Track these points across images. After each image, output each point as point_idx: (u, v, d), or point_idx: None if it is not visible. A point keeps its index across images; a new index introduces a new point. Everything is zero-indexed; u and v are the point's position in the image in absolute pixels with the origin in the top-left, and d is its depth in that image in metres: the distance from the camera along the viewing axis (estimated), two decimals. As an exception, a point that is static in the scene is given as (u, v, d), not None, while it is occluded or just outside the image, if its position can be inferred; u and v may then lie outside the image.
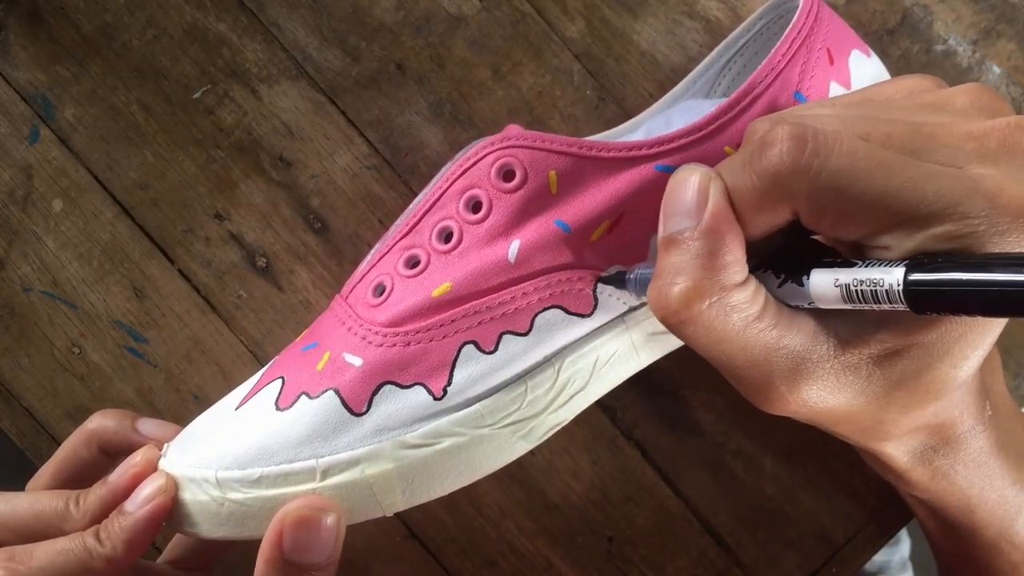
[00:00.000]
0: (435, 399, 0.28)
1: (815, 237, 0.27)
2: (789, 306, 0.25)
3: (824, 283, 0.23)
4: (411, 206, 0.31)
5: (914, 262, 0.21)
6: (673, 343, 0.32)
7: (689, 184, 0.25)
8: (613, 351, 0.30)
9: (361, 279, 0.31)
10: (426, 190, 0.31)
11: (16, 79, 0.37)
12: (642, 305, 0.30)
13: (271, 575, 0.26)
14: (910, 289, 0.21)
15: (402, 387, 0.29)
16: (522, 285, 0.29)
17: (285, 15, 0.37)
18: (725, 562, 0.38)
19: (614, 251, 0.30)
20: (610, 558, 0.38)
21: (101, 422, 0.31)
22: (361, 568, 0.38)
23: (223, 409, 0.30)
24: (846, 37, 0.31)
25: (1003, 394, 0.30)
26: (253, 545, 0.27)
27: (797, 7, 0.31)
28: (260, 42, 0.37)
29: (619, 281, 0.29)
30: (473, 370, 0.29)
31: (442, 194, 0.30)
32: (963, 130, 0.23)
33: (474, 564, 0.38)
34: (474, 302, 0.29)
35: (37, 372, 0.37)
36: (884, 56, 0.38)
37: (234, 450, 0.28)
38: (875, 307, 0.22)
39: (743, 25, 0.34)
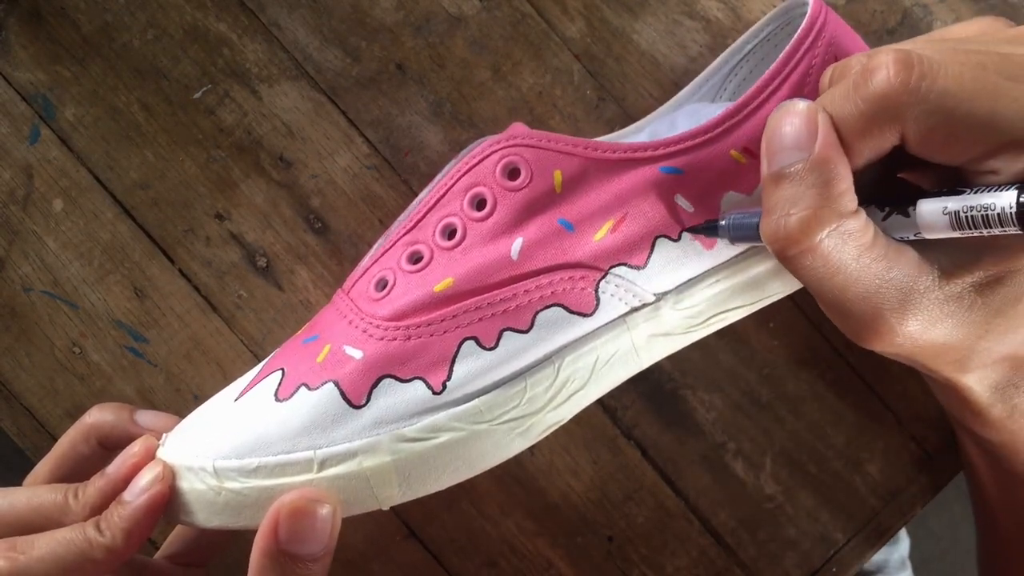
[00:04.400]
0: (434, 393, 0.29)
1: (902, 175, 0.27)
2: (893, 239, 0.26)
3: (933, 211, 0.24)
4: (414, 203, 0.32)
5: None
6: (674, 345, 0.32)
7: (795, 118, 0.25)
8: (613, 351, 0.30)
9: (363, 273, 0.31)
10: (429, 187, 0.31)
11: (16, 79, 0.37)
12: (643, 306, 0.30)
13: (266, 565, 0.26)
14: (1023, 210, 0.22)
15: (401, 381, 0.29)
16: (524, 282, 0.29)
17: (285, 15, 0.37)
18: (725, 562, 0.38)
19: (616, 250, 0.30)
20: (610, 558, 0.38)
21: (99, 416, 0.31)
22: (361, 568, 0.38)
23: (222, 400, 0.30)
24: (853, 43, 0.31)
25: None
26: (252, 542, 0.27)
27: (805, 13, 0.31)
28: (260, 42, 0.37)
29: (710, 229, 0.30)
30: (473, 366, 0.29)
31: (447, 191, 0.31)
32: None
33: (474, 564, 0.38)
34: (476, 298, 0.29)
35: (37, 372, 0.37)
36: (884, 56, 0.38)
37: (232, 440, 0.28)
38: (984, 232, 0.23)
39: (751, 31, 0.34)
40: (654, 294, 0.30)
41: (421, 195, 0.31)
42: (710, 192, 0.30)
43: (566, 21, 0.38)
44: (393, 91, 0.38)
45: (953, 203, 0.23)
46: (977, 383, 0.28)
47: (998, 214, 0.22)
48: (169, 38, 0.37)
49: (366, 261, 0.32)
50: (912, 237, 0.25)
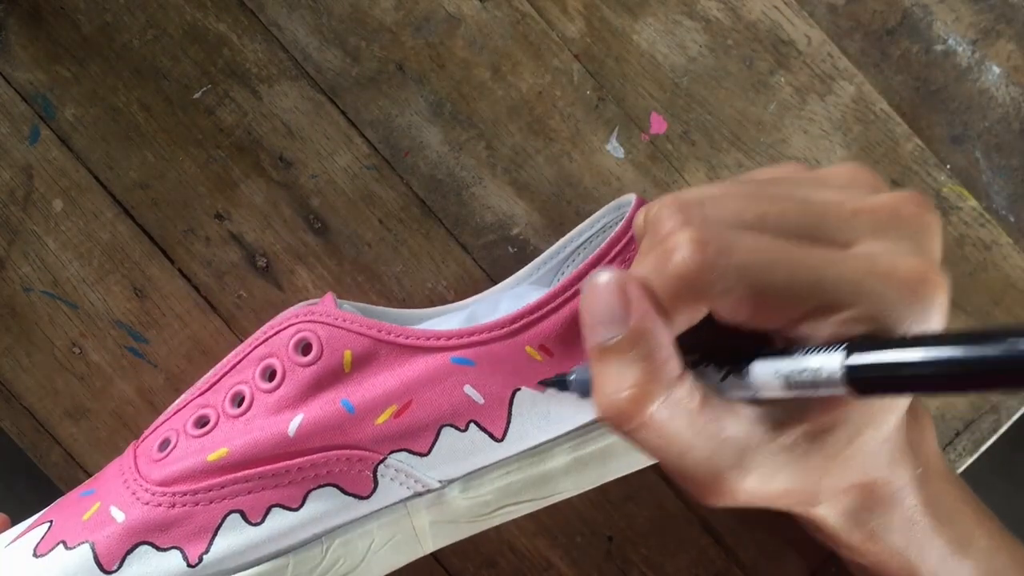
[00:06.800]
0: (189, 566, 0.28)
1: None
2: (726, 398, 0.25)
3: (766, 374, 0.24)
4: (220, 364, 0.31)
5: (851, 346, 0.21)
6: (460, 532, 0.31)
7: (607, 290, 0.25)
8: (391, 536, 0.30)
9: (154, 430, 0.31)
10: (239, 349, 0.31)
11: (16, 79, 0.37)
12: (427, 492, 0.30)
13: None
14: (850, 376, 0.21)
15: (158, 549, 0.28)
16: (298, 460, 0.29)
17: (285, 15, 0.37)
18: (725, 562, 0.38)
19: (398, 436, 0.29)
20: (610, 558, 0.38)
21: None
22: (361, 568, 0.38)
23: None
24: None
25: (934, 453, 0.30)
26: None
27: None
28: (260, 42, 0.37)
29: (560, 384, 0.28)
30: (234, 540, 0.28)
31: (243, 358, 0.31)
32: (850, 207, 0.24)
33: (474, 564, 0.38)
34: (247, 471, 0.29)
35: (37, 372, 0.37)
36: (884, 56, 0.38)
37: None
38: (818, 392, 0.22)
39: (588, 220, 0.34)
40: (439, 481, 0.30)
41: (228, 357, 0.31)
42: (502, 386, 0.30)
43: (566, 21, 0.38)
44: (393, 91, 0.38)
45: (784, 365, 0.23)
46: (827, 512, 0.28)
47: (826, 378, 0.22)
48: (169, 38, 0.37)
49: (160, 417, 0.31)
50: (754, 395, 0.25)
